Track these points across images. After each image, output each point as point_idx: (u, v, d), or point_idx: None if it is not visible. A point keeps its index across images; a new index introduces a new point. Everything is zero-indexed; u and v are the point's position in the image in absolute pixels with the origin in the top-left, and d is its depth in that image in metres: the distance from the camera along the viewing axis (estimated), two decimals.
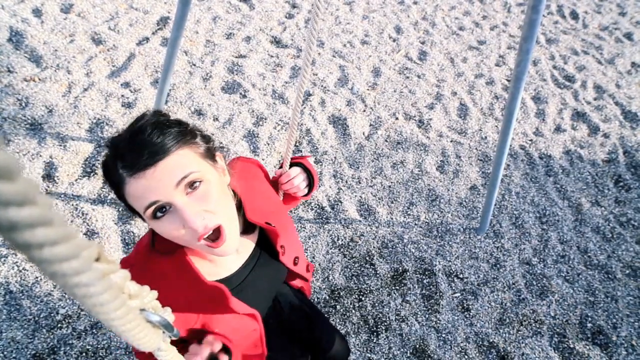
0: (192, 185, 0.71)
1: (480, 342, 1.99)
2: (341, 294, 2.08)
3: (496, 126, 3.04)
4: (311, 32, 0.84)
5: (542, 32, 4.06)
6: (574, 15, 4.40)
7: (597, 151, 3.03)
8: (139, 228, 2.16)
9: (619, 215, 2.64)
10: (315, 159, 2.58)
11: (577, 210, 2.64)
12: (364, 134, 2.78)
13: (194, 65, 3.05)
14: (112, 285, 0.37)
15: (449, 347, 1.95)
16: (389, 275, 2.16)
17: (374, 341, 1.94)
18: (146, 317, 0.47)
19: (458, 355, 1.93)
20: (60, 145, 2.45)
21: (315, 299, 2.05)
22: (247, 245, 0.95)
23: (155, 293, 0.50)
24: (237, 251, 0.91)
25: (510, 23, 4.11)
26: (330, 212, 2.38)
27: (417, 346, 1.94)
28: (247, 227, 0.94)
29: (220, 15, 3.52)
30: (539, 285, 2.23)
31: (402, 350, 1.92)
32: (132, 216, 2.19)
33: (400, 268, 2.19)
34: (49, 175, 2.31)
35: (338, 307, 2.04)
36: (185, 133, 0.75)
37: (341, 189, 2.48)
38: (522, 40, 1.41)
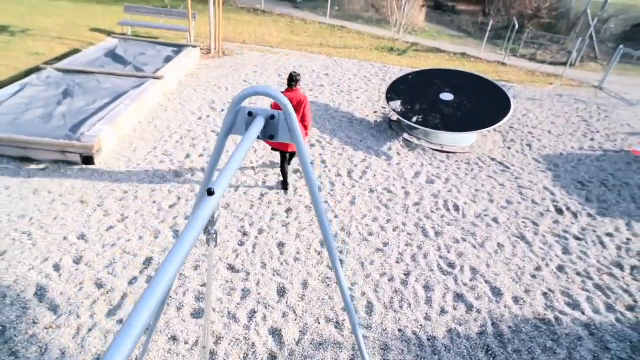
0: None
1: None
2: None
3: (394, 317, 4.14)
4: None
5: (431, 226, 5.52)
6: (456, 208, 5.97)
7: (472, 326, 4.11)
8: None
9: None
10: None
11: None
12: (294, 340, 3.82)
13: (170, 297, 4.18)
14: None
15: None
16: None
17: None
18: None
19: None
20: None
21: None
22: None
23: None
24: None
25: (408, 222, 5.58)
26: None
27: None
28: None
29: None
30: None
31: None
32: None
33: None
34: None
35: None
36: None
37: None
38: None
